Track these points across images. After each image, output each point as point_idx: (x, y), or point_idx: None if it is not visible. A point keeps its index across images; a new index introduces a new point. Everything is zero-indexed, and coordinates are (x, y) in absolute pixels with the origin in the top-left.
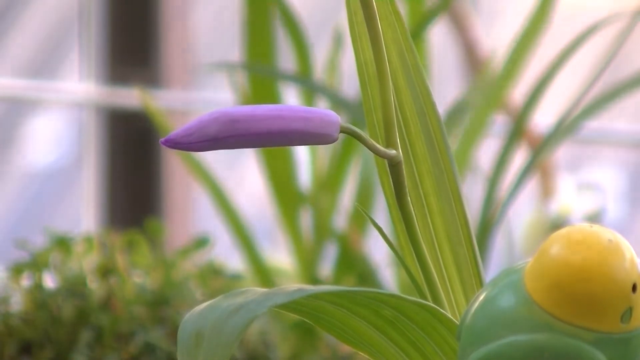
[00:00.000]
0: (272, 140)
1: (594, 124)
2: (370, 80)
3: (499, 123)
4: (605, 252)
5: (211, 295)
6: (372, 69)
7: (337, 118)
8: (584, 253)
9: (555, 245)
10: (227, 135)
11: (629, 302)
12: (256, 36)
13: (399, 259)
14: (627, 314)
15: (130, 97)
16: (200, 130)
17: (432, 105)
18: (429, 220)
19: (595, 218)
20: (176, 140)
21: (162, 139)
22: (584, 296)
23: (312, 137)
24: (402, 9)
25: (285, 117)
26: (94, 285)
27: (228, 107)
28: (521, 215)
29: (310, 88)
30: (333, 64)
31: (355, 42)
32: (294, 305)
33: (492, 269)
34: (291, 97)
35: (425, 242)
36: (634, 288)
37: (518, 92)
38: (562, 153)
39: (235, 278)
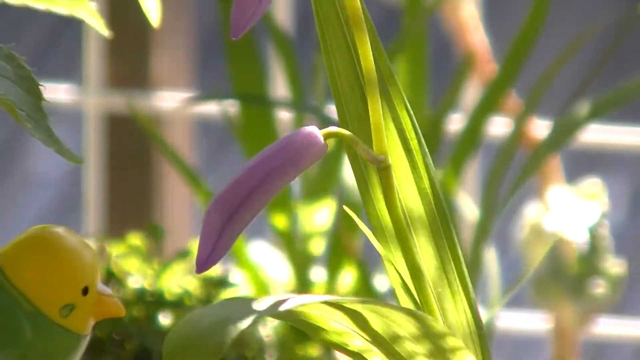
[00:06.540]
0: (268, 186)
1: (594, 127)
2: (344, 90)
3: (498, 126)
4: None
5: (206, 300)
6: (346, 78)
7: (312, 127)
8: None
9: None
10: (228, 216)
11: (73, 300)
12: (242, 59)
13: (387, 264)
14: (67, 310)
15: (130, 101)
16: (210, 231)
17: (407, 109)
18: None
19: (597, 227)
20: (202, 259)
21: (196, 270)
22: (39, 268)
23: (299, 157)
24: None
25: (260, 159)
26: None
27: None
28: (521, 220)
29: (299, 110)
30: (317, 71)
31: (327, 53)
32: (283, 314)
33: (490, 271)
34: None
35: None
36: (85, 291)
37: (517, 94)
38: (562, 157)
39: (229, 286)
